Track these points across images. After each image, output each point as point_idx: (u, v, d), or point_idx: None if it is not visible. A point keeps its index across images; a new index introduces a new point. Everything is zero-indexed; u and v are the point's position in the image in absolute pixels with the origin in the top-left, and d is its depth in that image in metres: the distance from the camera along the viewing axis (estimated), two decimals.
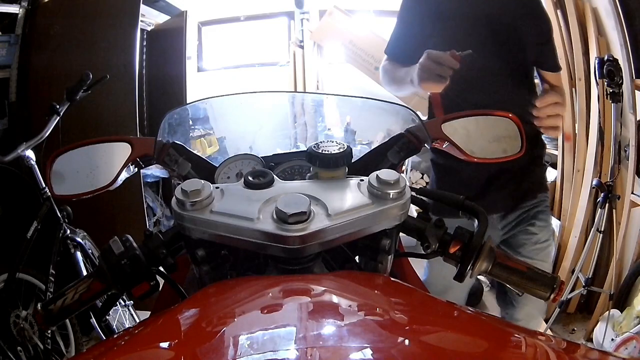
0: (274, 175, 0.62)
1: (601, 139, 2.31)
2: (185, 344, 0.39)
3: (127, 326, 2.09)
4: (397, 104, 1.01)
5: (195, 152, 0.85)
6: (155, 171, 3.16)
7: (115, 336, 0.50)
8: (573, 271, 2.30)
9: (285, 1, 4.49)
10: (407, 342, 0.38)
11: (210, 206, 0.57)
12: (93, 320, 1.90)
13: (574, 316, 2.54)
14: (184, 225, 0.57)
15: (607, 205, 2.11)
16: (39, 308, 0.60)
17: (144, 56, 3.37)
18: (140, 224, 2.49)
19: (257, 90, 1.06)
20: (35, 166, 1.80)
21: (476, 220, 0.63)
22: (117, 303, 1.99)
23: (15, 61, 2.37)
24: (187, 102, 3.03)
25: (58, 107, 1.82)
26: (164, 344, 0.41)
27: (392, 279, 0.60)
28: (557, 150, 2.76)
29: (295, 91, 4.21)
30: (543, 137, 1.43)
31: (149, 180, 3.26)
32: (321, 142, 0.65)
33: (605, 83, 2.04)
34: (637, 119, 2.09)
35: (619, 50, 2.11)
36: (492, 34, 1.25)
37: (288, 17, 4.67)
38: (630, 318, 2.05)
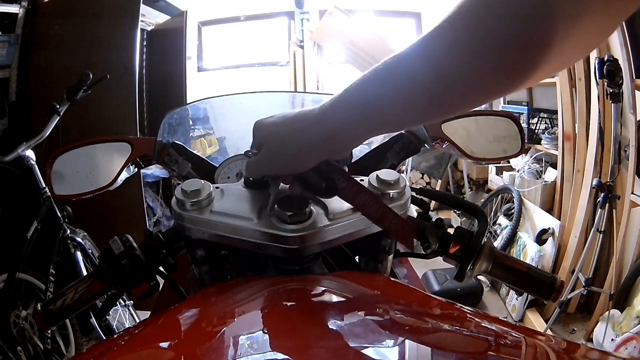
0: None
1: (601, 139, 2.31)
2: (185, 344, 0.39)
3: (127, 326, 2.08)
4: None
5: (195, 152, 0.85)
6: (155, 171, 3.16)
7: (115, 336, 0.50)
8: (573, 271, 2.30)
9: (285, 1, 4.49)
10: (407, 342, 0.38)
11: (210, 206, 0.57)
12: (93, 320, 1.90)
13: (574, 316, 2.54)
14: (183, 225, 0.57)
15: (607, 205, 2.11)
16: (39, 308, 0.60)
17: (144, 56, 3.37)
18: (140, 224, 2.49)
19: (257, 90, 1.06)
20: (35, 166, 1.80)
21: (476, 220, 0.63)
22: (117, 303, 1.98)
23: (15, 61, 2.37)
24: (187, 102, 3.03)
25: (58, 107, 1.82)
26: (164, 344, 0.41)
27: (392, 279, 0.60)
28: (557, 150, 2.76)
29: (295, 91, 4.21)
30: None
31: (149, 180, 3.26)
32: None
33: (605, 83, 2.04)
34: (637, 119, 2.09)
35: (619, 50, 2.10)
36: None
37: (288, 17, 4.67)
38: (630, 318, 2.04)
